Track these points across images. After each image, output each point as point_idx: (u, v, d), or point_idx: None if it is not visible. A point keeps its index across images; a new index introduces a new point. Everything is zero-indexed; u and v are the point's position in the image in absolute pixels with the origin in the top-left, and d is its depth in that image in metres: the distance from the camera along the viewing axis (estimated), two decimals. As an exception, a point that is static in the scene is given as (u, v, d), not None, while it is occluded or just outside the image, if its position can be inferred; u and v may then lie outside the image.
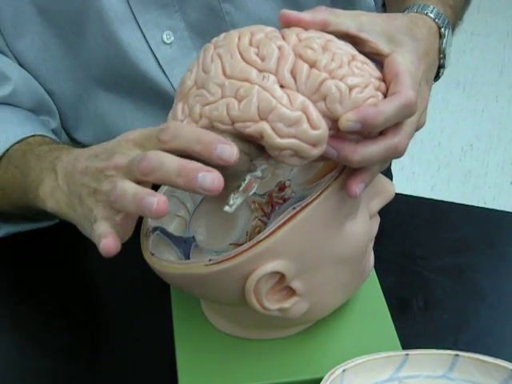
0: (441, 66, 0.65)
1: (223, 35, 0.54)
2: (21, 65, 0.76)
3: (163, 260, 0.57)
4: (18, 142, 0.71)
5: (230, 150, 0.49)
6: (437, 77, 0.66)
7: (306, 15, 0.55)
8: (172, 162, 0.49)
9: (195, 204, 0.65)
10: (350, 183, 0.54)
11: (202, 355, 0.62)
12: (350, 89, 0.51)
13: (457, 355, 0.59)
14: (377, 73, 0.54)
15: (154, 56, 0.76)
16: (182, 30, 0.77)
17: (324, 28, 0.55)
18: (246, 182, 0.53)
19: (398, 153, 0.55)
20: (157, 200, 0.48)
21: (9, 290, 0.75)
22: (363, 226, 0.60)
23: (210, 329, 0.64)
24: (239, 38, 0.52)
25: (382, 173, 0.61)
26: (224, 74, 0.51)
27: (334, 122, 0.52)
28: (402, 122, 0.55)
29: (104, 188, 0.53)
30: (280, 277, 0.56)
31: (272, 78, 0.51)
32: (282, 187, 0.65)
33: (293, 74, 0.51)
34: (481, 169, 1.99)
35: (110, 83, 0.78)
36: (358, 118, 0.51)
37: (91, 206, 0.54)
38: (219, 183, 0.48)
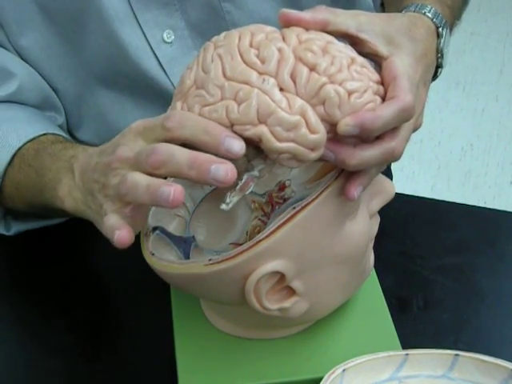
0: (438, 66, 0.66)
1: (223, 34, 0.54)
2: (25, 62, 0.77)
3: (163, 260, 0.57)
4: (29, 141, 0.71)
5: (238, 145, 0.49)
6: (434, 76, 0.66)
7: (306, 15, 0.55)
8: (183, 155, 0.49)
9: (195, 204, 0.65)
10: (349, 186, 0.54)
11: (202, 355, 0.62)
12: (349, 94, 0.51)
13: (457, 355, 0.59)
14: (375, 76, 0.54)
15: (155, 55, 0.76)
16: (183, 29, 0.77)
17: (324, 27, 0.55)
18: (243, 181, 0.53)
19: (395, 156, 0.55)
20: (173, 189, 0.48)
21: (9, 289, 0.75)
22: (363, 226, 0.60)
23: (209, 328, 0.64)
24: (239, 39, 0.52)
25: (382, 172, 0.61)
26: (224, 75, 0.51)
27: (332, 125, 0.52)
28: (399, 125, 0.55)
29: (111, 182, 0.53)
30: (280, 276, 0.56)
31: (272, 81, 0.51)
32: (282, 187, 0.65)
33: (292, 77, 0.51)
34: (481, 168, 1.99)
35: (112, 81, 0.78)
36: (356, 122, 0.51)
37: (101, 201, 0.54)
38: (232, 174, 0.48)
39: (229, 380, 0.61)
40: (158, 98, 0.78)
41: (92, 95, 0.80)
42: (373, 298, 0.66)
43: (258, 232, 0.62)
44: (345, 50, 0.53)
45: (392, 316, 0.65)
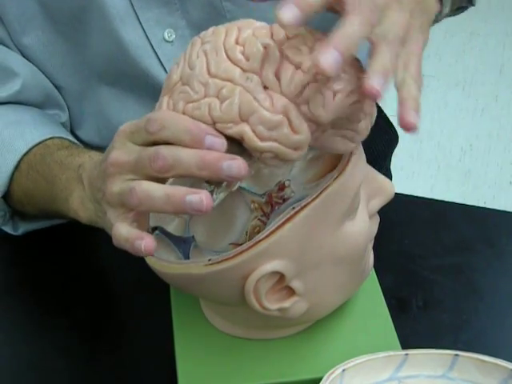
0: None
1: (211, 30, 0.53)
2: (27, 60, 0.77)
3: (163, 260, 0.57)
4: (36, 145, 0.71)
5: (219, 143, 0.49)
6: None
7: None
8: (191, 157, 0.48)
9: (195, 204, 0.65)
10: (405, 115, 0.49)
11: (202, 355, 0.62)
12: (334, 94, 0.50)
13: (456, 355, 0.59)
14: (363, 74, 0.54)
15: (156, 54, 0.76)
16: (183, 28, 0.77)
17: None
18: None
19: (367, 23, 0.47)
20: (204, 197, 0.47)
21: (9, 289, 0.75)
22: (363, 226, 0.60)
23: (209, 329, 0.64)
24: (226, 35, 0.51)
25: (381, 172, 0.61)
26: (208, 72, 0.51)
27: (317, 125, 0.51)
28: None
29: (109, 188, 0.52)
30: (279, 277, 0.56)
31: (255, 78, 0.50)
32: (281, 187, 0.65)
33: (277, 75, 0.50)
34: (480, 168, 1.99)
35: (113, 79, 0.79)
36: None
37: (105, 208, 0.54)
38: (245, 168, 0.48)
39: (229, 380, 0.61)
40: (159, 95, 0.78)
41: (93, 92, 0.80)
42: (372, 298, 0.66)
43: (258, 232, 0.62)
44: None
45: (392, 316, 0.65)
